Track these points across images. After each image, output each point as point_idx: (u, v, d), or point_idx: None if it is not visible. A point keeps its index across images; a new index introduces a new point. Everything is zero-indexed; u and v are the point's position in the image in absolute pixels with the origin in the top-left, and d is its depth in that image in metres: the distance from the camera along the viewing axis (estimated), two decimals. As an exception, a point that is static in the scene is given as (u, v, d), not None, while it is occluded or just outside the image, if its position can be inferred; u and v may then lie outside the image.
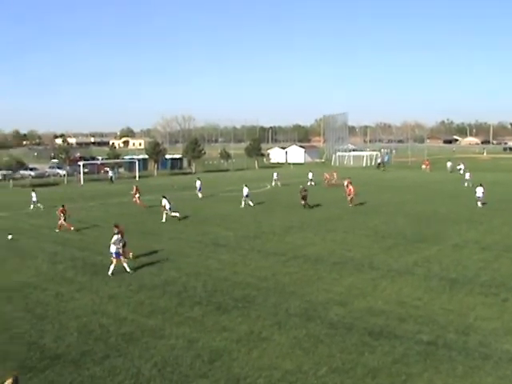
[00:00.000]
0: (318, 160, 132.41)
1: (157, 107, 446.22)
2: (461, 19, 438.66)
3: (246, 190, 49.05)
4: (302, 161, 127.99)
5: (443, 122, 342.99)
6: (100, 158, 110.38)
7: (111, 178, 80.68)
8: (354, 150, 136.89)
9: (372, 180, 76.39)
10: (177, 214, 41.93)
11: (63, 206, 39.12)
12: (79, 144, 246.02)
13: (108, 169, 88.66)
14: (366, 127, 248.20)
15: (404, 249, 30.15)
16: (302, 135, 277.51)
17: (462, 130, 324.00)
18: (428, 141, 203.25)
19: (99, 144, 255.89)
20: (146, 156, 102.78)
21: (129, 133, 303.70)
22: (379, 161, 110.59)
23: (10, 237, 35.31)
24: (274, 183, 68.69)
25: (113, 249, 25.97)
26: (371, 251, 29.60)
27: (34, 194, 49.52)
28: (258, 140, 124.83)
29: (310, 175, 69.85)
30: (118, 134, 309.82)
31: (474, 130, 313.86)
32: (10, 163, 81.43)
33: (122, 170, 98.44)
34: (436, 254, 28.96)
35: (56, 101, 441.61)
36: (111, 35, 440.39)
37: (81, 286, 23.83)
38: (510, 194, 56.70)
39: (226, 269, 26.23)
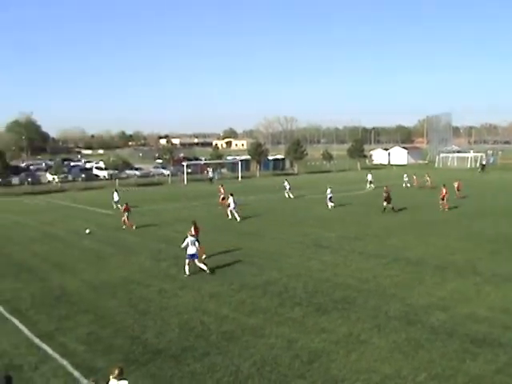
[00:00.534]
0: (421, 161, 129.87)
1: (259, 108, 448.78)
2: None
3: (329, 191, 49.00)
4: (405, 162, 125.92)
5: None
6: (203, 158, 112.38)
7: (211, 178, 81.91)
8: (458, 152, 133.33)
9: (476, 182, 74.16)
10: (237, 216, 42.98)
11: (127, 203, 40.89)
12: (183, 145, 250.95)
13: (209, 169, 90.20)
14: (471, 128, 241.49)
15: (510, 254, 29.15)
16: (404, 136, 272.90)
17: None
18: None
19: (202, 145, 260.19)
20: (249, 157, 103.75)
21: (231, 134, 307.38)
22: (483, 162, 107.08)
23: (87, 231, 37.52)
24: (368, 186, 67.15)
25: (191, 250, 26.03)
26: (475, 255, 28.80)
27: (115, 195, 50.54)
28: (360, 141, 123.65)
29: (405, 177, 68.62)
30: (221, 134, 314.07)
31: None
32: (117, 163, 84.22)
33: (224, 170, 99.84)
34: (545, 259, 27.90)
35: (161, 103, 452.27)
36: (216, 35, 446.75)
37: (183, 284, 24.41)
38: None
39: (326, 270, 26.20)
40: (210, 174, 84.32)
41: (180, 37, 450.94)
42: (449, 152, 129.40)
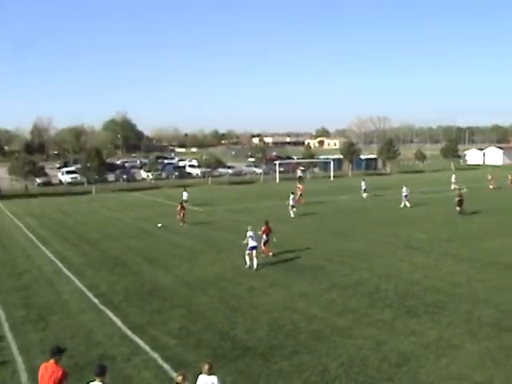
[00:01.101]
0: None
1: (352, 107, 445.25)
2: None
3: (405, 190, 49.09)
4: (501, 162, 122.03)
5: None
6: (295, 157, 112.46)
7: (300, 177, 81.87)
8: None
9: None
10: (291, 213, 45.07)
11: (181, 202, 42.11)
12: (275, 143, 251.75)
13: (301, 168, 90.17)
14: None
15: None
16: (500, 136, 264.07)
17: None
18: None
19: (295, 144, 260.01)
20: (341, 156, 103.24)
21: (324, 133, 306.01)
22: None
23: (159, 225, 39.31)
24: (452, 186, 64.33)
25: (251, 243, 27.24)
26: None
27: (185, 194, 50.48)
28: (454, 141, 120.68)
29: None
30: (314, 133, 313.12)
31: None
32: (210, 161, 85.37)
33: (316, 169, 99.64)
34: None
35: (253, 102, 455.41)
36: (313, 32, 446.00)
37: (273, 282, 24.55)
38: None
39: (417, 272, 25.76)
40: (300, 173, 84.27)
41: (274, 35, 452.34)
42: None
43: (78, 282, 25.25)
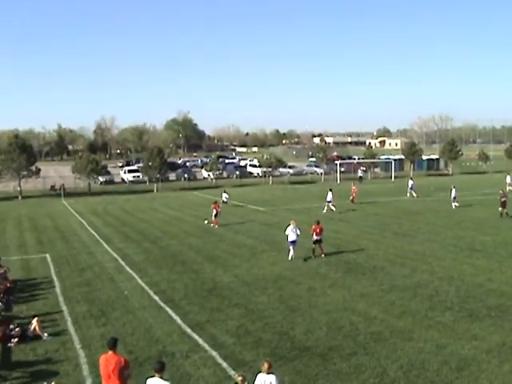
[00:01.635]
0: None
1: (413, 107, 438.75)
2: None
3: (453, 192, 49.00)
4: None
5: None
6: (356, 157, 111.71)
7: (360, 177, 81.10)
8: None
9: None
10: (333, 208, 47.76)
11: (216, 202, 42.27)
12: (336, 143, 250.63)
13: (362, 168, 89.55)
14: None
15: None
16: None
17: None
18: None
19: (356, 143, 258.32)
20: (402, 156, 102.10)
21: (385, 133, 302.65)
22: None
23: (206, 222, 40.48)
24: (508, 188, 61.08)
25: (291, 237, 29.07)
26: None
27: (225, 195, 51.88)
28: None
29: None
30: (375, 133, 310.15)
31: None
32: (270, 161, 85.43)
33: (377, 169, 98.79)
34: None
35: (315, 102, 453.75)
36: (370, 34, 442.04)
37: (333, 282, 24.43)
38: None
39: (480, 275, 25.24)
40: (360, 173, 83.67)
41: (336, 35, 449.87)
42: None
43: (138, 279, 25.64)
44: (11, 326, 18.49)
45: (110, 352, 12.31)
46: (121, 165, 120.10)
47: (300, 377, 14.85)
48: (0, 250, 32.32)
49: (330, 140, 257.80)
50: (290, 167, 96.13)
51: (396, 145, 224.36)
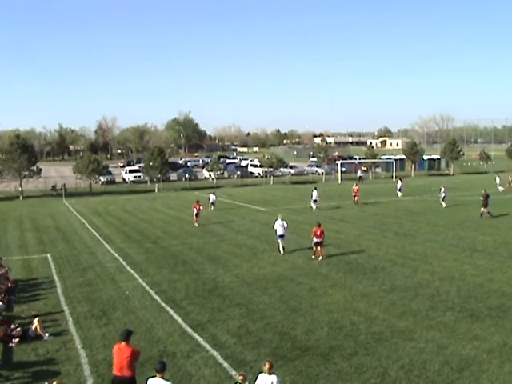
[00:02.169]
0: None
1: (415, 107, 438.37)
2: None
3: (443, 190, 49.74)
4: None
5: None
6: (357, 157, 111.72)
7: (360, 177, 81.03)
8: None
9: None
10: (313, 206, 49.59)
11: (198, 201, 42.63)
12: (337, 143, 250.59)
13: (363, 168, 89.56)
14: None
15: None
16: None
17: None
18: None
19: (357, 144, 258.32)
20: (403, 156, 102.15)
21: (386, 133, 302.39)
22: None
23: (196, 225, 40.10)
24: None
25: (279, 232, 30.72)
26: None
27: (212, 197, 50.95)
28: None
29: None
30: (376, 133, 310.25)
31: None
32: (271, 161, 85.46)
33: (378, 169, 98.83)
34: None
35: (315, 102, 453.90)
36: (374, 36, 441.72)
37: (334, 283, 24.43)
38: None
39: (481, 275, 25.23)
40: (360, 173, 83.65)
41: (336, 38, 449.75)
42: None
43: (139, 279, 25.66)
44: (12, 326, 18.51)
45: (123, 343, 12.75)
46: (122, 165, 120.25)
47: (301, 377, 14.85)
48: (1, 250, 32.37)
49: (331, 140, 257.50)
50: (291, 167, 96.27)
51: (397, 145, 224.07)
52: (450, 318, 19.40)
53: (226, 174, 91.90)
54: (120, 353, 12.69)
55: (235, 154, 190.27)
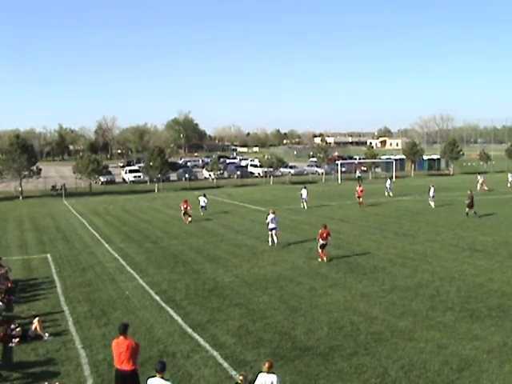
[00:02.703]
0: None
1: (414, 107, 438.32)
2: None
3: (432, 191, 50.00)
4: None
5: None
6: (357, 157, 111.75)
7: (359, 177, 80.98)
8: None
9: None
10: (304, 205, 51.10)
11: (186, 200, 44.01)
12: (337, 143, 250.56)
13: (363, 168, 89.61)
14: None
15: None
16: None
17: None
18: None
19: (357, 144, 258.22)
20: (403, 156, 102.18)
21: (386, 133, 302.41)
22: None
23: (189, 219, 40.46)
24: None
25: (271, 225, 32.64)
26: None
27: (203, 199, 47.34)
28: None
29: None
30: (376, 133, 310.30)
31: None
32: (271, 161, 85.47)
33: (378, 169, 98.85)
34: None
35: (316, 102, 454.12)
36: (373, 36, 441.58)
37: (334, 282, 24.42)
38: None
39: (481, 275, 25.22)
40: (358, 174, 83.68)
41: (337, 38, 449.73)
42: None
43: (139, 279, 25.66)
44: (12, 326, 18.50)
45: (121, 337, 12.90)
46: (122, 165, 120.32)
47: (301, 377, 14.84)
48: (1, 250, 32.38)
49: (330, 140, 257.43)
50: (290, 167, 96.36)
51: (397, 145, 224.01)
52: (450, 318, 19.39)
53: (225, 174, 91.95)
54: (118, 347, 12.85)
55: (235, 153, 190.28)
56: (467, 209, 43.67)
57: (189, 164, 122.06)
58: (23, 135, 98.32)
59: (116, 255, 31.23)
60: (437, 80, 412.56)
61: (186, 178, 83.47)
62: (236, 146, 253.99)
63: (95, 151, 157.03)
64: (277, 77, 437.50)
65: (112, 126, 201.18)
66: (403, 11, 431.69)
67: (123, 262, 29.34)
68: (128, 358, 12.70)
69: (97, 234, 38.88)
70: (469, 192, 44.68)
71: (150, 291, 23.60)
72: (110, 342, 16.48)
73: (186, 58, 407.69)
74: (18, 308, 21.85)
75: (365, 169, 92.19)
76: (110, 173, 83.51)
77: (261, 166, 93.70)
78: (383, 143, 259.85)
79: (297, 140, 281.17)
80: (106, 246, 34.15)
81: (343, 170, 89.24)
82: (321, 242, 28.67)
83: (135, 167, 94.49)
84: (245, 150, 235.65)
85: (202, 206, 47.29)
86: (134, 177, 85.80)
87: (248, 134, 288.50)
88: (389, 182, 61.82)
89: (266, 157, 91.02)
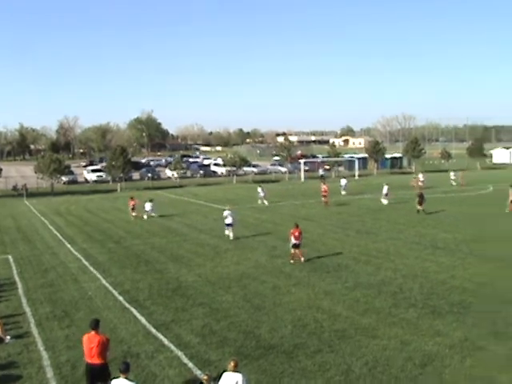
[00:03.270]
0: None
1: (377, 106, 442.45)
2: None
3: (385, 189, 51.36)
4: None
5: None
6: (320, 156, 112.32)
7: (322, 175, 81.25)
8: None
9: None
10: (265, 202, 52.73)
11: (132, 197, 46.76)
12: (300, 142, 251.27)
13: (326, 166, 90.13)
14: None
15: None
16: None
17: None
18: None
19: (320, 142, 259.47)
20: (366, 155, 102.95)
21: (349, 131, 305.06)
22: None
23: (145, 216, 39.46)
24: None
25: (228, 221, 34.99)
26: None
27: (149, 205, 46.28)
28: (480, 140, 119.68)
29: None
30: (339, 132, 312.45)
31: None
32: (235, 160, 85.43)
33: (341, 168, 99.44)
34: None
35: (278, 101, 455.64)
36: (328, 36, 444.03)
37: (297, 281, 24.50)
38: None
39: (443, 272, 25.52)
40: (321, 172, 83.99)
41: (297, 35, 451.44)
42: None
43: (102, 280, 25.45)
44: (-28, 329, 18.21)
45: (93, 332, 13.26)
46: (84, 164, 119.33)
47: (265, 376, 14.87)
48: (-40, 252, 31.83)
49: (293, 139, 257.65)
50: (254, 166, 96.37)
51: (360, 143, 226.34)
52: (413, 314, 19.60)
53: (188, 174, 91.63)
54: (89, 341, 13.21)
55: (198, 153, 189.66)
56: (418, 206, 44.83)
57: (152, 163, 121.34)
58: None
59: (78, 255, 30.91)
60: (399, 79, 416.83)
61: (148, 178, 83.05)
62: (199, 145, 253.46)
63: (57, 151, 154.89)
64: (239, 75, 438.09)
65: (74, 125, 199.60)
66: (357, 8, 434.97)
67: (86, 263, 29.07)
68: (99, 352, 13.11)
69: (59, 234, 38.44)
70: (418, 191, 45.77)
71: (113, 291, 23.42)
72: (74, 344, 16.53)
73: (148, 57, 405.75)
74: (-22, 310, 21.50)
75: (328, 167, 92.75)
76: (72, 172, 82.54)
77: (224, 165, 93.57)
78: (346, 142, 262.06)
79: (260, 139, 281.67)
80: (69, 246, 33.79)
81: (306, 168, 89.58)
82: (293, 241, 28.26)
83: (98, 167, 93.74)
84: (208, 149, 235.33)
85: (147, 211, 45.85)
86: (97, 176, 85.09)
87: (211, 133, 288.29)
88: (344, 181, 62.14)
89: (229, 156, 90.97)
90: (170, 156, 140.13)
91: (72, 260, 29.88)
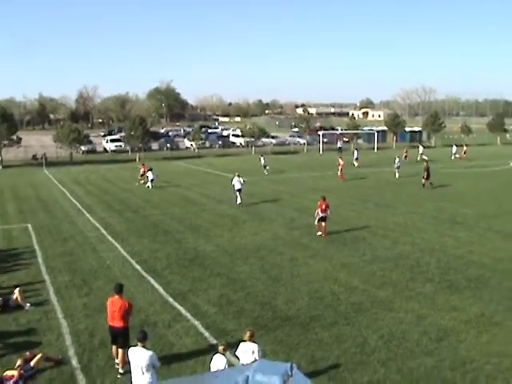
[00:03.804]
0: None
1: (397, 78, 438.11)
2: None
3: (397, 161, 51.72)
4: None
5: None
6: (339, 128, 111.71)
7: (340, 148, 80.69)
8: None
9: None
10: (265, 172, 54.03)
11: (144, 164, 49.35)
12: (319, 114, 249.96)
13: (345, 139, 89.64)
14: None
15: None
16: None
17: None
18: None
19: (339, 115, 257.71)
20: (385, 128, 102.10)
21: (368, 104, 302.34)
22: None
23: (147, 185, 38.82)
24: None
25: (237, 186, 36.48)
26: None
27: (150, 173, 46.72)
28: (501, 115, 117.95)
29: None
30: (358, 105, 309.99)
31: None
32: (253, 131, 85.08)
33: (360, 141, 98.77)
34: None
35: (300, 72, 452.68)
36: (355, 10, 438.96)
37: (315, 253, 24.55)
38: None
39: (461, 247, 25.45)
40: (340, 144, 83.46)
41: (317, 5, 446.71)
42: None
43: (120, 249, 25.63)
44: (-8, 296, 18.45)
45: (116, 296, 13.83)
46: (103, 134, 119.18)
47: (281, 346, 14.98)
48: (-19, 219, 32.16)
49: (312, 111, 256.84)
50: (272, 137, 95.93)
51: (379, 116, 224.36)
52: (430, 288, 19.60)
53: (207, 144, 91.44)
54: (113, 305, 13.89)
55: (217, 123, 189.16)
56: (423, 180, 44.61)
57: (170, 134, 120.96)
58: (3, 104, 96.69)
59: (97, 225, 31.12)
60: (419, 52, 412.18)
61: (167, 148, 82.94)
62: (218, 115, 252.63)
63: (76, 120, 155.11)
64: (259, 46, 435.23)
65: (93, 94, 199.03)
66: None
67: (104, 232, 29.26)
68: (121, 316, 13.76)
69: (78, 203, 38.66)
70: (425, 164, 45.50)
71: (131, 261, 23.60)
72: (92, 312, 16.73)
73: (167, 27, 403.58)
74: (-2, 277, 21.77)
75: (347, 140, 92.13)
76: (91, 142, 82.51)
77: (242, 136, 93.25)
78: (365, 114, 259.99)
79: (279, 110, 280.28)
80: (87, 215, 33.99)
81: (325, 140, 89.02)
82: (320, 214, 27.85)
83: (116, 136, 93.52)
84: (227, 119, 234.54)
85: (151, 180, 46.26)
86: (116, 146, 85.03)
87: (230, 103, 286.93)
88: (356, 152, 63.48)
89: (247, 127, 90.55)
90: (189, 126, 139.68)
91: (91, 229, 30.09)
